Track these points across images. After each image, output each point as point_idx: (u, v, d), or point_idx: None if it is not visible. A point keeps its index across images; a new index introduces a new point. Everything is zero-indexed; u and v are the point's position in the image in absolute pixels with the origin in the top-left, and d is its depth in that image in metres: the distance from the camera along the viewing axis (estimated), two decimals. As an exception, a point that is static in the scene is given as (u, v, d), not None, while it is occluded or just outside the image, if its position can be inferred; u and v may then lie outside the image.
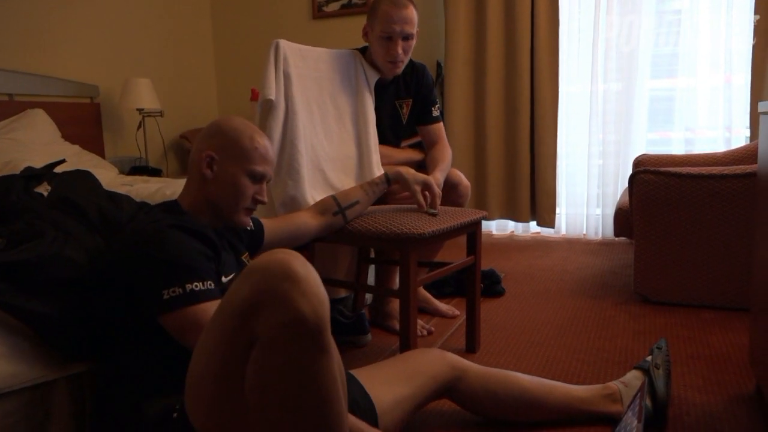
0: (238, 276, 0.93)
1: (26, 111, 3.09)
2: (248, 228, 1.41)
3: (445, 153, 2.15)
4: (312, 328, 0.82)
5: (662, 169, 2.32)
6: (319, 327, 0.83)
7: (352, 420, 1.02)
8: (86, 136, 3.47)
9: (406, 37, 2.01)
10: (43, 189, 1.47)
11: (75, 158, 3.03)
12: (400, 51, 2.00)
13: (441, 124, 2.25)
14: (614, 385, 1.40)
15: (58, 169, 1.67)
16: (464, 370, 1.34)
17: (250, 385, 0.85)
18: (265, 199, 1.29)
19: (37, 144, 2.93)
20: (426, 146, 2.24)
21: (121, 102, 3.61)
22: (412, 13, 2.01)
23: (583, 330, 2.12)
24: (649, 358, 1.44)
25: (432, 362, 1.30)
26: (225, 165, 1.22)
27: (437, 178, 1.97)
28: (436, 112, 2.22)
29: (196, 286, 1.04)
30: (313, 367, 0.84)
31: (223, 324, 0.87)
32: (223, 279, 1.17)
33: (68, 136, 3.22)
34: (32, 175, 1.50)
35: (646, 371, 1.40)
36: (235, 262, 1.29)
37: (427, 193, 1.76)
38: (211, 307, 1.02)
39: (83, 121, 3.50)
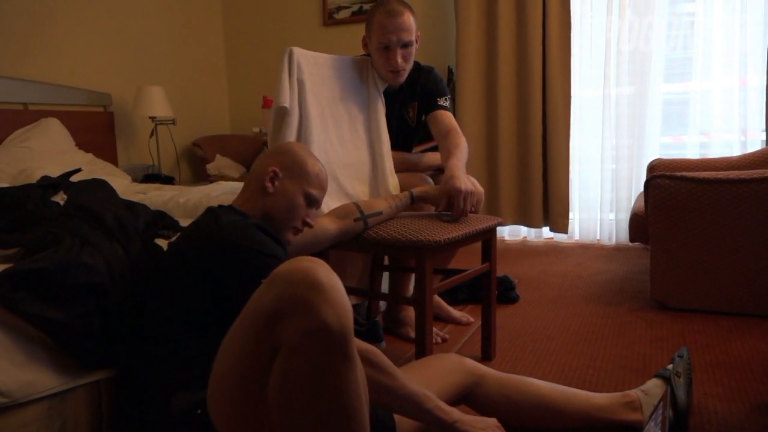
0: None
1: (41, 120, 3.12)
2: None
3: (459, 140, 1.97)
4: (336, 336, 0.82)
5: (678, 174, 2.30)
6: (343, 335, 0.82)
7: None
8: (100, 144, 3.50)
9: (405, 45, 1.98)
10: (60, 198, 1.48)
11: (88, 166, 3.05)
12: (399, 60, 1.96)
13: (450, 113, 2.13)
14: (634, 393, 1.38)
15: (74, 178, 1.68)
16: (482, 375, 1.33)
17: (272, 392, 0.84)
18: (314, 224, 1.36)
19: (51, 152, 2.95)
20: (437, 139, 2.10)
21: (134, 110, 3.64)
22: (409, 19, 1.95)
23: (600, 337, 2.10)
24: (670, 366, 1.42)
25: (449, 368, 1.29)
26: (286, 182, 1.31)
27: (457, 168, 1.80)
28: (443, 102, 2.12)
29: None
30: (337, 375, 0.83)
31: (247, 330, 0.87)
32: None
33: (82, 145, 3.25)
34: (49, 185, 1.51)
35: (667, 380, 1.38)
36: None
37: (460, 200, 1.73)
38: None
39: (97, 129, 3.53)
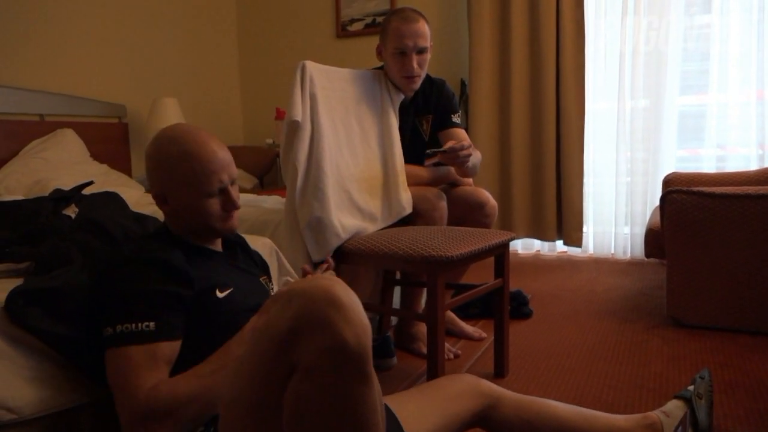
0: (273, 299, 0.95)
1: (56, 131, 3.15)
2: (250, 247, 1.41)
3: (474, 151, 2.05)
4: (354, 356, 0.80)
5: (695, 189, 2.26)
6: (361, 355, 0.80)
7: None
8: (114, 155, 3.52)
9: (420, 51, 2.00)
10: (71, 211, 1.48)
11: (103, 177, 3.07)
12: (415, 65, 1.99)
13: (463, 130, 2.19)
14: (655, 415, 1.34)
15: (86, 191, 1.68)
16: (498, 398, 1.29)
17: (288, 415, 0.82)
18: (237, 203, 1.21)
19: (66, 163, 2.97)
20: None
21: (149, 121, 3.66)
22: (424, 26, 2.00)
23: (615, 355, 2.06)
24: (691, 387, 1.38)
25: (465, 390, 1.26)
26: (175, 196, 1.17)
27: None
28: (456, 119, 2.17)
29: (127, 327, 1.04)
30: (354, 397, 0.81)
31: (261, 349, 0.86)
32: (218, 293, 1.16)
33: (97, 155, 3.27)
34: (61, 197, 1.51)
35: (688, 401, 1.34)
36: (242, 277, 1.27)
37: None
38: (136, 350, 1.02)
39: (111, 140, 3.55)
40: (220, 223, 1.21)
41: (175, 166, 1.15)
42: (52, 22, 3.24)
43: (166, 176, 1.17)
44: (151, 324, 1.04)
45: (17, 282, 1.16)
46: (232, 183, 1.21)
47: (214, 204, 1.18)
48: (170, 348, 1.06)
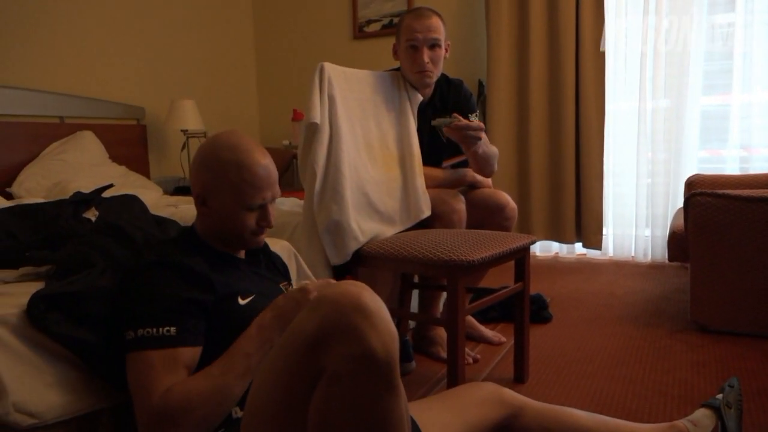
0: (284, 296, 1.04)
1: (76, 133, 3.17)
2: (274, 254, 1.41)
3: (490, 145, 2.05)
4: (382, 363, 0.79)
5: (719, 191, 2.21)
6: (389, 363, 0.79)
7: None
8: (132, 156, 3.54)
9: (432, 46, 1.98)
10: (91, 214, 1.48)
11: (121, 179, 3.09)
12: (426, 59, 1.97)
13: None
14: (682, 424, 1.30)
15: (106, 194, 1.69)
16: (521, 407, 1.27)
17: (313, 422, 0.81)
18: (272, 222, 1.23)
19: (85, 165, 3.00)
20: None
21: (167, 123, 3.68)
22: (437, 22, 1.99)
23: (638, 361, 2.02)
24: (719, 396, 1.35)
25: (486, 398, 1.24)
26: (217, 200, 1.18)
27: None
28: (474, 119, 2.10)
29: (148, 332, 1.04)
30: (381, 405, 0.80)
31: (288, 356, 0.85)
32: (240, 300, 1.16)
33: (115, 157, 3.29)
34: (81, 200, 1.51)
35: (717, 410, 1.31)
36: (264, 284, 1.27)
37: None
38: (156, 355, 1.02)
39: (130, 142, 3.58)
40: (250, 237, 1.22)
41: (226, 172, 1.16)
42: (71, 26, 3.27)
43: (214, 179, 1.17)
44: (172, 329, 1.04)
45: (38, 286, 1.16)
46: (273, 200, 1.22)
47: (251, 218, 1.20)
48: (191, 353, 1.05)
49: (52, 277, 1.22)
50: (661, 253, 3.53)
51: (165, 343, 1.03)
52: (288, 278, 1.42)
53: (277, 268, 1.40)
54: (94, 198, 1.55)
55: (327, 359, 0.80)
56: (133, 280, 1.11)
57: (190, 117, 3.67)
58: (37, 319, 1.07)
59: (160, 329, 1.04)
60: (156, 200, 2.84)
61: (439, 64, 2.04)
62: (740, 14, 3.29)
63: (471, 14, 3.94)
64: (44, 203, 1.50)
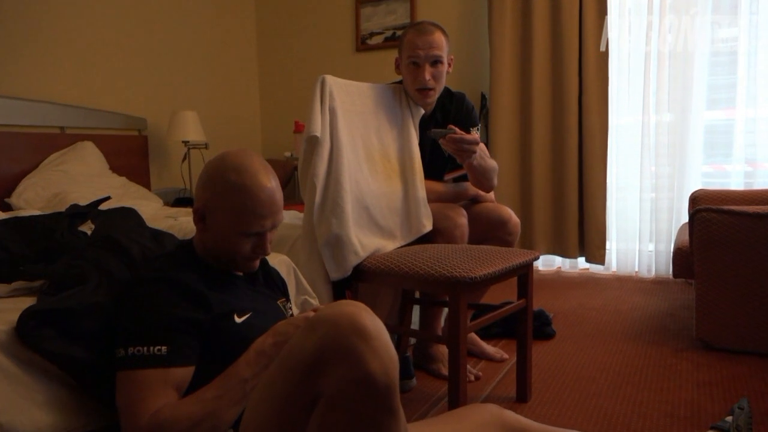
0: (285, 322, 0.98)
1: (76, 143, 3.16)
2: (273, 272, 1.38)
3: (489, 159, 2.04)
4: (381, 388, 0.76)
5: (725, 207, 2.18)
6: (388, 387, 0.77)
7: None
8: (133, 167, 3.53)
9: (434, 63, 1.95)
10: (87, 227, 1.46)
11: (122, 190, 3.07)
12: (428, 77, 1.95)
13: (482, 144, 2.12)
14: (689, 449, 1.27)
15: (104, 206, 1.66)
16: (524, 430, 1.24)
17: None
18: (268, 250, 1.19)
19: (85, 176, 2.98)
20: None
21: (168, 134, 3.67)
22: (439, 38, 1.96)
23: (643, 380, 1.98)
24: (728, 418, 1.31)
25: (488, 422, 1.20)
26: (215, 219, 1.14)
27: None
28: (475, 132, 2.11)
29: (138, 350, 1.01)
30: (380, 430, 0.77)
31: (284, 378, 0.82)
32: (237, 318, 1.13)
33: (116, 168, 3.28)
34: (77, 213, 1.49)
35: (725, 435, 1.27)
36: (262, 301, 1.24)
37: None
38: (146, 374, 0.99)
39: (131, 153, 3.56)
40: (244, 262, 1.19)
41: (228, 193, 1.12)
42: (73, 36, 3.26)
43: (215, 198, 1.14)
44: (164, 348, 1.01)
45: (30, 301, 1.13)
46: (273, 228, 1.19)
47: (246, 243, 1.16)
48: (182, 374, 1.02)
49: (45, 292, 1.20)
50: (665, 268, 3.49)
51: (155, 363, 1.00)
52: (286, 294, 1.40)
53: (275, 284, 1.37)
54: (90, 211, 1.53)
55: (324, 383, 0.78)
56: (127, 296, 1.09)
57: (192, 128, 3.66)
58: (28, 335, 1.05)
59: (151, 348, 1.01)
60: (156, 211, 2.82)
61: (442, 80, 2.02)
62: (744, 29, 3.28)
63: (474, 27, 3.93)
64: (40, 215, 1.48)
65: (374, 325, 0.79)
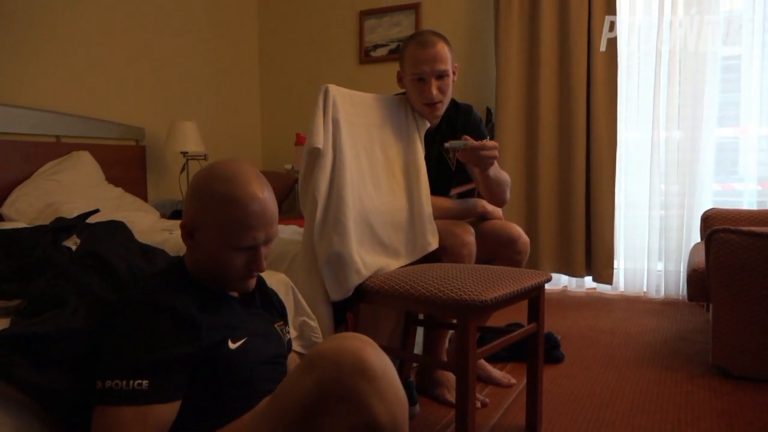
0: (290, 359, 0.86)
1: (72, 153, 3.07)
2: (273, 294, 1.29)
3: (501, 171, 1.96)
4: None
5: (744, 228, 2.09)
6: None
7: None
8: (130, 178, 3.44)
9: (440, 76, 1.87)
10: (72, 242, 1.36)
11: (117, 201, 2.98)
12: (434, 91, 1.86)
13: None
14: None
15: (92, 219, 1.57)
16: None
17: None
18: (263, 266, 1.08)
19: (79, 186, 2.89)
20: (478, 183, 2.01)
21: (166, 145, 3.59)
22: (443, 49, 1.86)
23: (659, 409, 1.88)
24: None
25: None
26: (204, 234, 1.05)
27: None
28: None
29: (117, 384, 0.91)
30: None
31: (281, 416, 0.73)
32: (231, 344, 1.03)
33: (112, 179, 3.19)
34: (62, 227, 1.40)
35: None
36: (258, 324, 1.14)
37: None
38: (124, 411, 0.90)
39: (128, 163, 3.48)
40: (238, 280, 1.09)
41: (215, 205, 1.03)
42: (70, 43, 3.20)
43: (202, 211, 1.05)
44: (145, 383, 0.91)
45: (3, 324, 1.04)
46: (267, 242, 1.08)
47: (239, 258, 1.06)
48: (164, 411, 0.92)
49: (22, 313, 1.11)
50: (675, 288, 3.40)
51: (134, 399, 0.90)
52: (284, 317, 1.30)
53: (273, 305, 1.28)
54: (76, 224, 1.44)
55: (325, 425, 0.70)
56: (110, 322, 0.99)
57: (191, 139, 3.58)
58: (-1, 363, 0.95)
59: (131, 382, 0.91)
60: (152, 224, 2.73)
61: (448, 92, 1.93)
62: (758, 47, 3.21)
63: (479, 41, 3.87)
64: (23, 229, 1.39)
65: (380, 362, 0.71)
